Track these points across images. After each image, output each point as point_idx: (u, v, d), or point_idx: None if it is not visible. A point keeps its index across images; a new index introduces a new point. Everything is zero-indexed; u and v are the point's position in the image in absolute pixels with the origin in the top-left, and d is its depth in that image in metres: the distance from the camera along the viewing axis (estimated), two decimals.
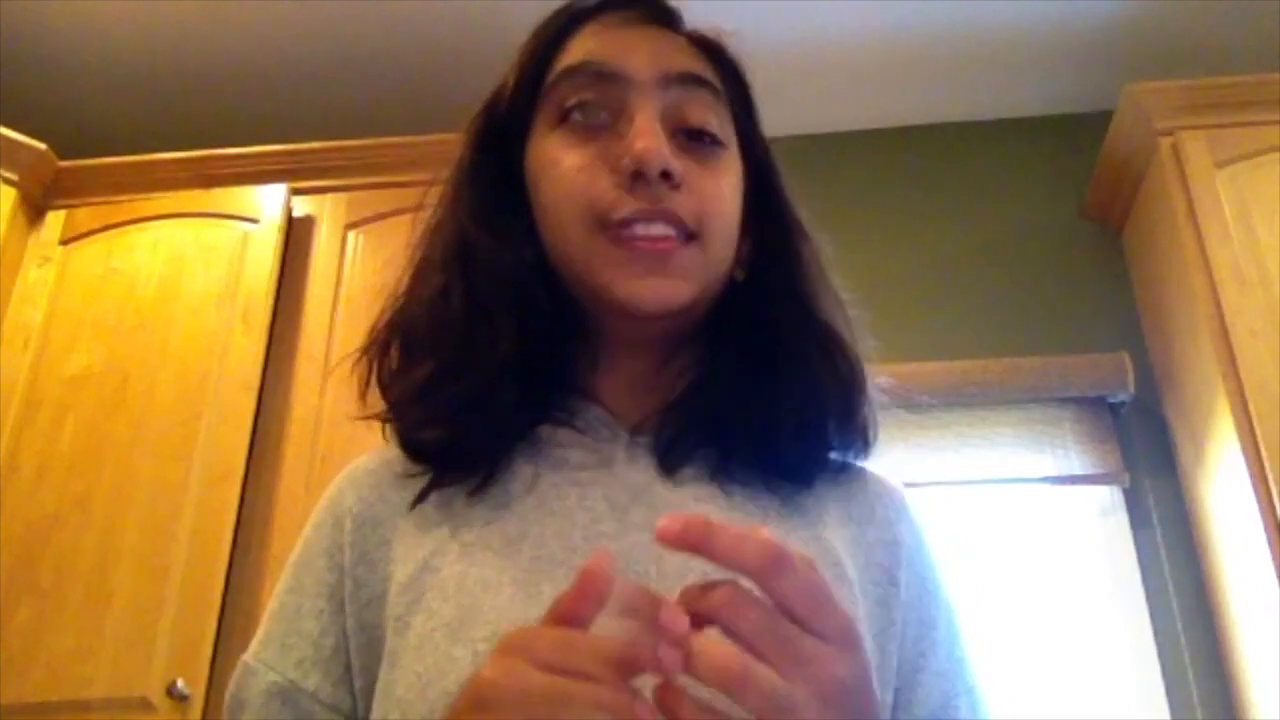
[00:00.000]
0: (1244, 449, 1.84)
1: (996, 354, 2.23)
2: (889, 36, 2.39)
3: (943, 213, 2.47)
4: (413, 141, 2.21)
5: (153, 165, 2.28)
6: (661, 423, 0.77)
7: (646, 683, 0.49)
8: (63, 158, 2.27)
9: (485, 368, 0.73)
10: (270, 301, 2.07)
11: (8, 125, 2.20)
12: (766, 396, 0.76)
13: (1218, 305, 1.94)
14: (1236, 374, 1.88)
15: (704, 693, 0.49)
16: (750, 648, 0.49)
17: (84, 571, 1.84)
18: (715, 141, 0.77)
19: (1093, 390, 2.19)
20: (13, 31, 2.37)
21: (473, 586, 0.68)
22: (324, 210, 2.21)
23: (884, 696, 0.72)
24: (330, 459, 1.92)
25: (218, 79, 2.48)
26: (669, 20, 0.82)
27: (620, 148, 0.73)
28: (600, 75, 0.76)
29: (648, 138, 0.72)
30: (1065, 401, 2.21)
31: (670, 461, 0.75)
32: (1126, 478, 2.16)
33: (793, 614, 0.50)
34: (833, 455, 0.79)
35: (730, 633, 0.50)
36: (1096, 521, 2.18)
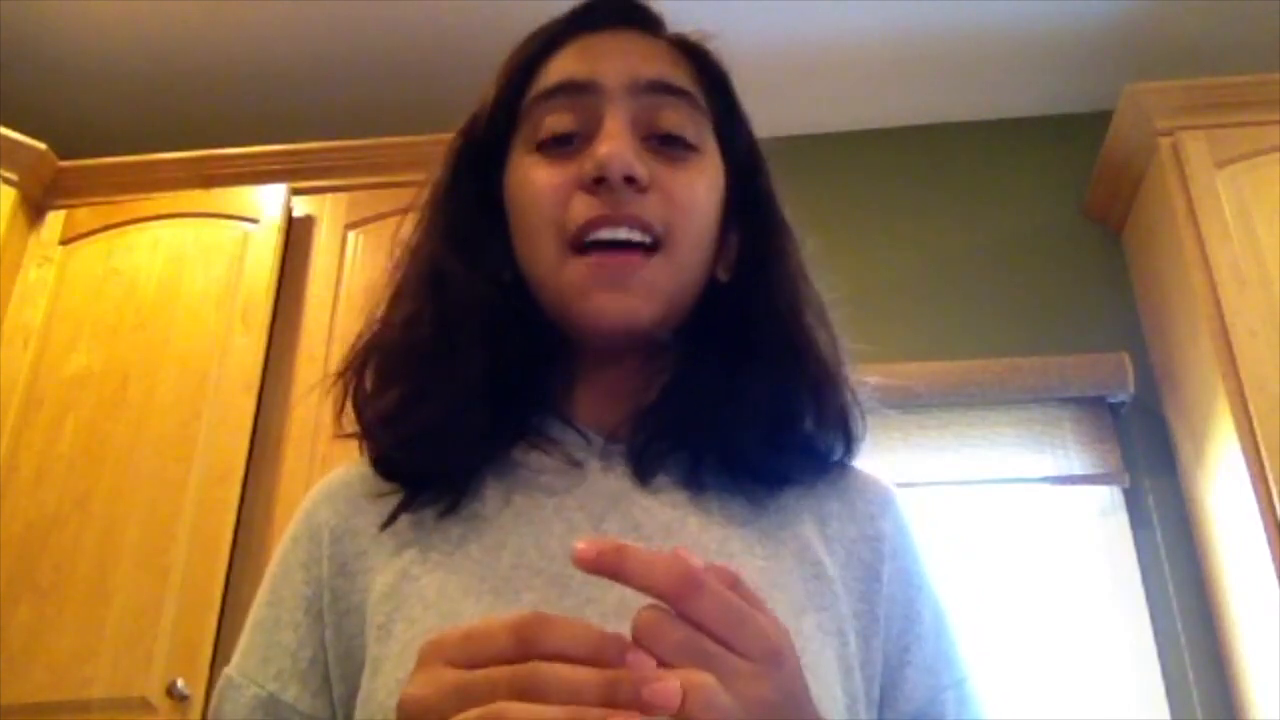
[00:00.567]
0: (1244, 449, 1.84)
1: (996, 354, 2.23)
2: (889, 36, 2.38)
3: (943, 213, 2.47)
4: (413, 141, 2.21)
5: (153, 165, 2.28)
6: (634, 430, 0.77)
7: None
8: (63, 158, 2.27)
9: (453, 392, 0.74)
10: (270, 301, 2.07)
11: (8, 125, 2.20)
12: (734, 399, 0.76)
13: (1218, 305, 1.93)
14: (1236, 374, 1.88)
15: None
16: (670, 664, 0.49)
17: (84, 571, 1.85)
18: (689, 146, 0.77)
19: (1093, 390, 2.18)
20: (13, 31, 2.37)
21: (454, 594, 0.69)
22: (324, 210, 2.21)
23: (871, 692, 0.72)
24: (330, 459, 1.92)
25: (218, 79, 2.48)
26: (648, 25, 0.83)
27: (587, 158, 0.73)
28: (574, 90, 0.76)
29: (611, 143, 0.73)
30: (1065, 401, 2.21)
31: (644, 469, 0.75)
32: (1126, 478, 2.16)
33: (710, 634, 0.50)
34: (819, 454, 0.79)
35: (653, 656, 0.49)
36: (1096, 521, 2.18)
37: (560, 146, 0.76)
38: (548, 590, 0.68)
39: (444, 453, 0.74)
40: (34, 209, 2.23)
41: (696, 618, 0.50)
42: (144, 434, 1.95)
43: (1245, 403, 1.86)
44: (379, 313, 0.80)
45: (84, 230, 2.20)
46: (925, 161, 2.53)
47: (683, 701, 0.47)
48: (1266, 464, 1.80)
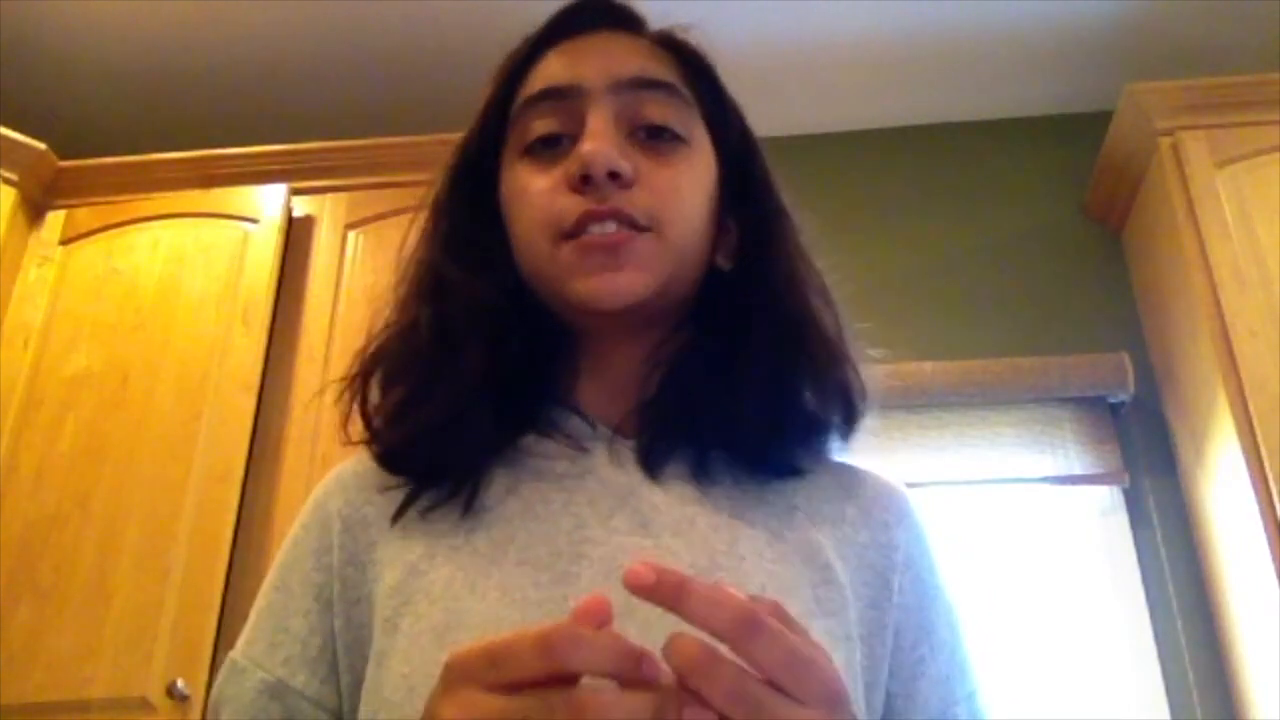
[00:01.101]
0: (1244, 449, 1.84)
1: (996, 354, 2.23)
2: (889, 36, 2.38)
3: (943, 213, 2.47)
4: (413, 141, 2.21)
5: (153, 165, 2.28)
6: (641, 423, 0.77)
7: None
8: (63, 158, 2.27)
9: (454, 388, 0.74)
10: (270, 301, 2.07)
11: (8, 125, 2.20)
12: (733, 387, 0.76)
13: (1218, 305, 1.93)
14: (1236, 374, 1.88)
15: None
16: (722, 712, 0.47)
17: (84, 571, 1.85)
18: (676, 137, 0.78)
19: (1093, 390, 2.19)
20: (13, 31, 2.37)
21: (460, 590, 0.69)
22: (324, 210, 2.21)
23: (874, 700, 0.72)
24: (330, 459, 1.92)
25: (218, 79, 2.48)
26: (628, 24, 0.84)
27: (573, 158, 0.74)
28: (557, 94, 0.77)
29: (593, 140, 0.74)
30: (1065, 401, 2.21)
31: (652, 463, 0.75)
32: (1126, 478, 2.16)
33: (770, 679, 0.48)
34: (817, 443, 0.79)
35: (701, 696, 0.48)
36: (1096, 521, 2.18)
37: (548, 149, 0.77)
38: (553, 588, 0.68)
39: (448, 448, 0.75)
40: (34, 209, 2.23)
41: (755, 662, 0.48)
42: (144, 434, 1.95)
43: (1245, 403, 1.86)
44: (382, 323, 0.81)
45: (84, 230, 2.20)
46: (925, 161, 2.53)
47: None
48: (1266, 464, 1.80)
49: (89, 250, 2.18)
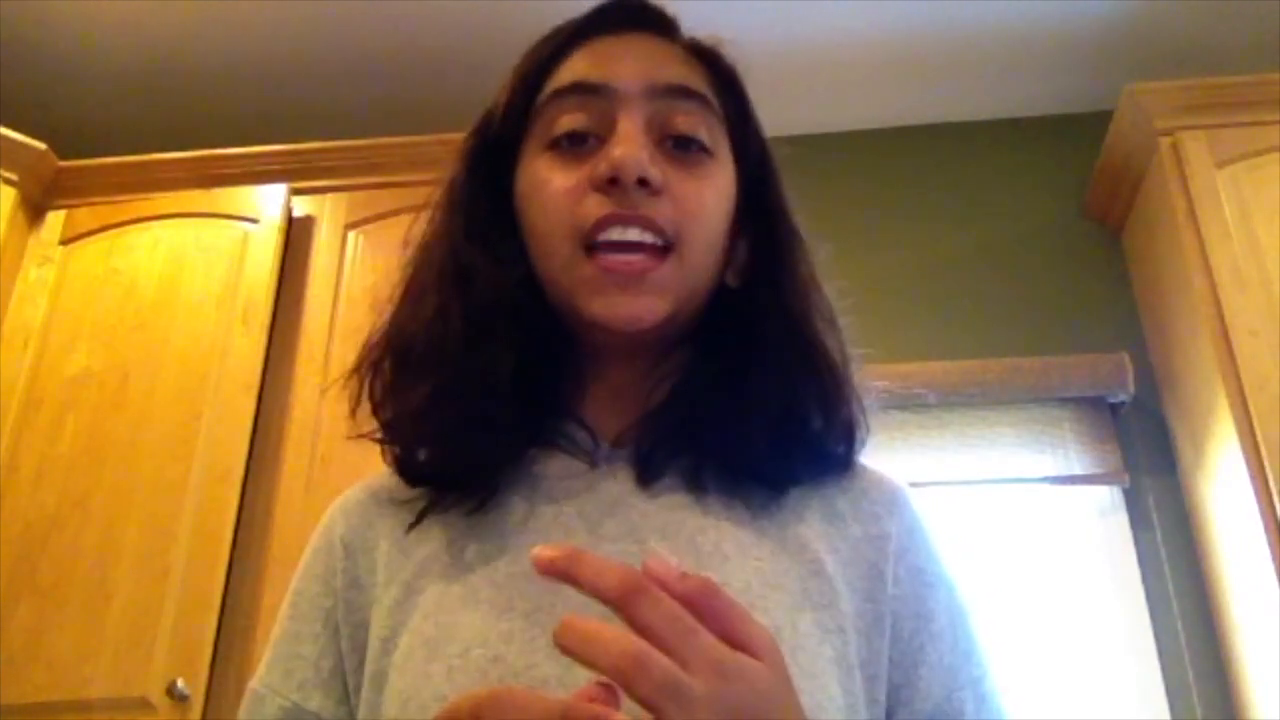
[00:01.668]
0: (1244, 449, 1.84)
1: (996, 354, 2.23)
2: (889, 36, 2.38)
3: (943, 213, 2.47)
4: (413, 141, 2.21)
5: (153, 165, 2.28)
6: (639, 434, 0.77)
7: None
8: (63, 158, 2.26)
9: (487, 387, 0.74)
10: (270, 301, 2.07)
11: (8, 125, 2.20)
12: (740, 403, 0.76)
13: (1218, 305, 1.93)
14: (1236, 374, 1.88)
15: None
16: (606, 673, 0.48)
17: (84, 571, 1.84)
18: (703, 150, 0.77)
19: (1093, 390, 2.18)
20: (13, 31, 2.37)
21: (452, 603, 0.70)
22: (324, 210, 2.21)
23: (876, 692, 0.72)
24: (330, 459, 1.92)
25: (218, 79, 2.48)
26: (663, 28, 0.83)
27: (601, 159, 0.74)
28: (588, 91, 0.76)
29: (626, 145, 0.73)
30: (1065, 401, 2.21)
31: (648, 473, 0.75)
32: (1126, 478, 2.16)
33: (655, 644, 0.49)
34: (822, 456, 0.79)
35: (630, 619, 0.49)
36: (1096, 521, 2.18)
37: (573, 146, 0.76)
38: (540, 598, 0.68)
39: (480, 446, 0.74)
40: (34, 209, 2.23)
41: (641, 625, 0.49)
42: (144, 434, 1.95)
43: (1245, 403, 1.86)
44: (391, 309, 0.80)
45: (84, 230, 2.20)
46: (925, 161, 2.53)
47: None
48: (1266, 464, 1.80)
49: (89, 250, 2.17)
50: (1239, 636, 1.91)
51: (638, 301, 0.72)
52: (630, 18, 0.82)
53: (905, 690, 0.73)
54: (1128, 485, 2.16)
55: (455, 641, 0.67)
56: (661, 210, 0.73)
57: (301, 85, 2.49)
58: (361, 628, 0.74)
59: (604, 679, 0.48)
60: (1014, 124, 2.55)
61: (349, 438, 0.79)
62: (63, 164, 2.27)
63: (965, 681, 0.74)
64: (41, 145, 2.22)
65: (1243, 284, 1.94)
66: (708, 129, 0.78)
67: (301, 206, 2.20)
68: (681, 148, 0.76)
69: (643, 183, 0.72)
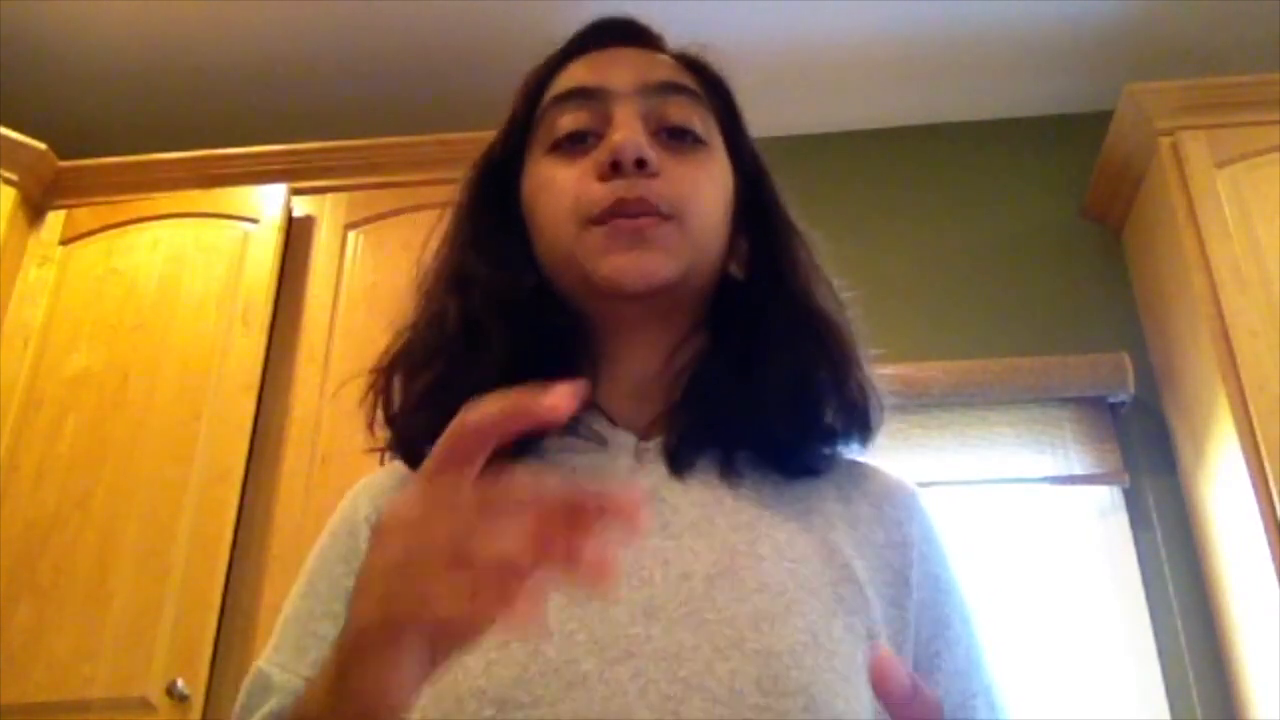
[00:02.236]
0: (1244, 449, 1.84)
1: (996, 354, 2.23)
2: (889, 36, 2.38)
3: (943, 213, 2.47)
4: (413, 141, 2.21)
5: (153, 165, 2.28)
6: (668, 426, 0.78)
7: None
8: (63, 158, 2.26)
9: (481, 376, 0.75)
10: (270, 301, 2.07)
11: (8, 125, 2.20)
12: (758, 387, 0.77)
13: (1218, 305, 1.93)
14: (1236, 374, 1.88)
15: None
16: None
17: (84, 571, 1.84)
18: (697, 140, 0.81)
19: (1093, 390, 2.18)
20: (13, 31, 2.37)
21: None
22: (324, 210, 2.20)
23: None
24: (330, 459, 1.92)
25: (218, 79, 2.48)
26: (650, 43, 0.87)
27: (603, 148, 0.77)
28: (585, 95, 0.80)
29: (623, 130, 0.77)
30: (1065, 401, 2.21)
31: (680, 463, 0.76)
32: (1126, 478, 2.16)
33: None
34: (837, 446, 0.80)
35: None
36: (1096, 521, 2.18)
37: (574, 146, 0.79)
38: (576, 593, 0.68)
39: None
40: (34, 209, 2.23)
41: None
42: (144, 434, 1.95)
43: (1245, 403, 1.86)
44: (405, 325, 0.83)
45: (84, 230, 2.20)
46: (925, 161, 2.53)
47: None
48: (1266, 464, 1.80)
49: (89, 250, 2.17)
50: (1239, 636, 1.91)
51: (646, 257, 0.75)
52: (619, 33, 0.86)
53: None
54: (1128, 485, 2.16)
55: (491, 634, 0.67)
56: (660, 190, 0.76)
57: (301, 85, 2.49)
58: None
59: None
60: (1014, 124, 2.55)
61: (365, 450, 0.81)
62: (63, 164, 2.26)
63: (978, 688, 0.75)
64: (41, 145, 2.22)
65: (1243, 284, 1.94)
66: (700, 121, 0.81)
67: (301, 206, 2.20)
68: (676, 138, 0.80)
69: (640, 164, 0.75)
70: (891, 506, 0.80)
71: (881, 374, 0.83)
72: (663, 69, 0.83)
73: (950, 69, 2.46)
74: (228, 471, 1.92)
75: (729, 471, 0.76)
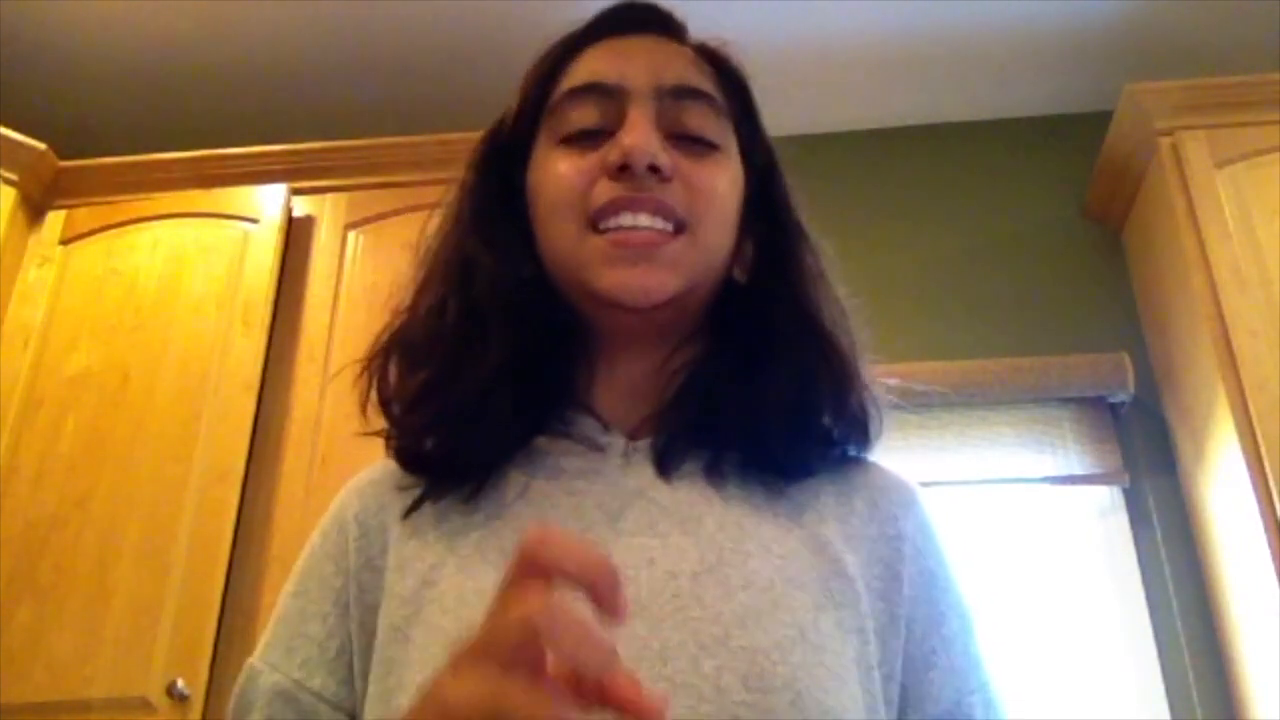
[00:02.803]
0: (1244, 449, 1.84)
1: (996, 354, 2.23)
2: (889, 36, 2.38)
3: (943, 213, 2.47)
4: (413, 141, 2.21)
5: (153, 165, 2.28)
6: (657, 427, 0.77)
7: None
8: (63, 158, 2.26)
9: (478, 375, 0.74)
10: (270, 301, 2.07)
11: (8, 125, 2.20)
12: (755, 394, 0.77)
13: (1218, 305, 1.93)
14: (1236, 374, 1.88)
15: None
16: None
17: (84, 571, 1.84)
18: (711, 145, 0.78)
19: (1093, 390, 2.18)
20: (13, 31, 2.37)
21: (472, 599, 0.69)
22: (324, 210, 2.21)
23: (890, 693, 0.72)
24: (330, 459, 1.92)
25: (218, 79, 2.48)
26: (671, 30, 0.84)
27: (613, 146, 0.75)
28: (600, 91, 0.78)
29: (635, 133, 0.74)
30: (1065, 401, 2.21)
31: (666, 465, 0.76)
32: (1126, 478, 2.16)
33: None
34: (836, 449, 0.79)
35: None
36: (1096, 521, 2.18)
37: (585, 140, 0.77)
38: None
39: (473, 434, 0.75)
40: (34, 209, 2.23)
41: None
42: (144, 434, 1.95)
43: (1245, 403, 1.86)
44: (404, 305, 0.81)
45: (84, 230, 2.20)
46: (925, 161, 2.53)
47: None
48: (1266, 464, 1.80)
49: (89, 250, 2.17)
50: (1239, 636, 1.91)
51: (649, 274, 0.73)
52: (639, 20, 0.84)
53: (915, 693, 0.73)
54: (1128, 485, 2.16)
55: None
56: (673, 194, 0.75)
57: (301, 85, 2.50)
58: (373, 610, 0.73)
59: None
60: (1014, 124, 2.55)
61: (358, 434, 0.80)
62: (63, 164, 2.27)
63: (975, 686, 0.75)
64: (41, 145, 2.22)
65: (1243, 284, 1.94)
66: (715, 126, 0.79)
67: (301, 206, 2.21)
68: (690, 143, 0.78)
69: (653, 169, 0.74)
70: (887, 501, 0.79)
71: (881, 374, 0.82)
72: (681, 67, 0.81)
73: (950, 69, 2.46)
74: (228, 471, 1.92)
75: (715, 473, 0.76)
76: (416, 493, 0.76)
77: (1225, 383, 1.89)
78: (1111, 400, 2.20)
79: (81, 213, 2.23)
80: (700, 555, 0.70)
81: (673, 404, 0.78)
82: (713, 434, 0.77)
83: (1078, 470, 2.17)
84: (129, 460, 1.93)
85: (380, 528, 0.77)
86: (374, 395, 0.79)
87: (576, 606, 0.46)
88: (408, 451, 0.78)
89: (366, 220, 2.18)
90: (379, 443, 0.81)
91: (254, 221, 2.15)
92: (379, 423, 0.79)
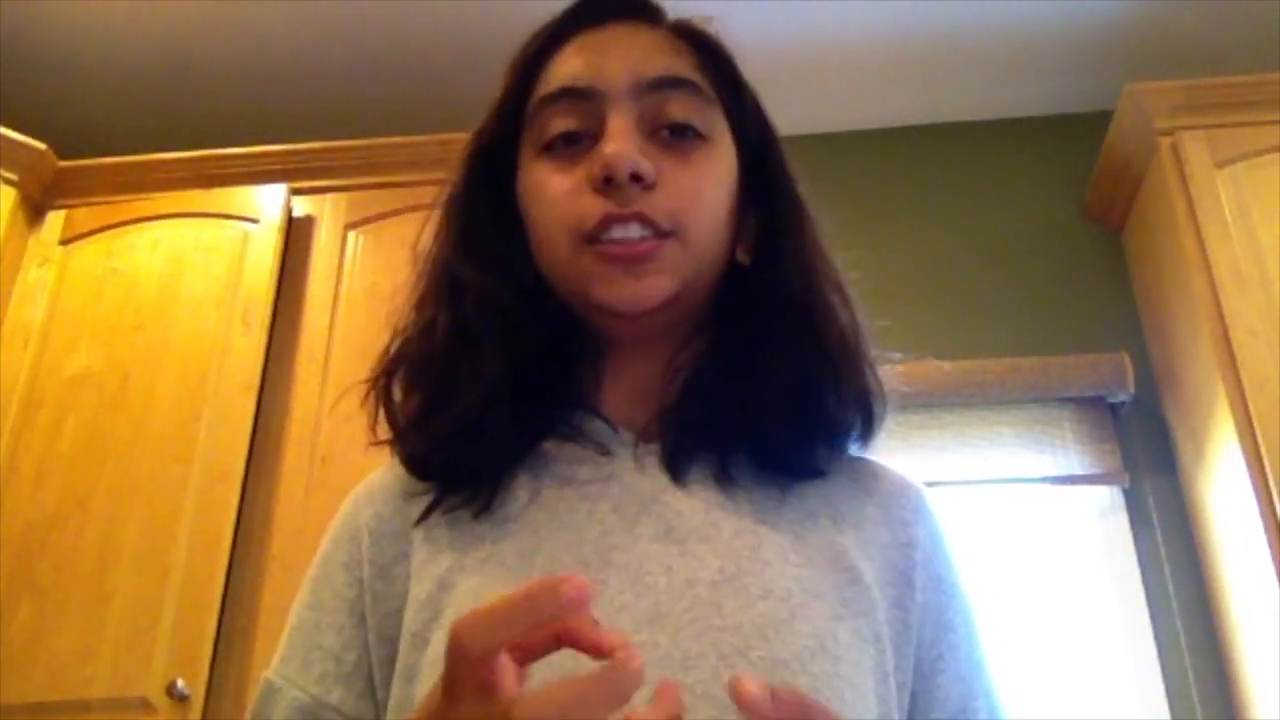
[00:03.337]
0: (1244, 449, 1.84)
1: (996, 354, 2.23)
2: (889, 36, 2.38)
3: (943, 213, 2.47)
4: (413, 141, 2.21)
5: (153, 165, 2.28)
6: (663, 428, 0.77)
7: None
8: (63, 158, 2.26)
9: (473, 392, 0.74)
10: (270, 301, 2.07)
11: (8, 125, 2.20)
12: (754, 390, 0.76)
13: (1218, 305, 1.93)
14: (1236, 374, 1.88)
15: None
16: None
17: (84, 571, 1.84)
18: (698, 135, 0.77)
19: (1093, 390, 2.18)
20: (13, 31, 2.37)
21: (489, 601, 0.68)
22: (324, 210, 2.21)
23: (904, 700, 0.72)
24: (330, 459, 1.92)
25: (218, 79, 2.48)
26: (646, 15, 0.82)
27: (595, 159, 0.74)
28: (576, 95, 0.77)
29: (615, 142, 0.73)
30: (1065, 401, 2.21)
31: (676, 468, 0.75)
32: (1126, 478, 2.16)
33: None
34: (839, 442, 0.78)
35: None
36: (1096, 521, 2.18)
37: (568, 147, 0.76)
38: None
39: (471, 453, 0.75)
40: (34, 209, 2.23)
41: None
42: (144, 434, 1.95)
43: (1245, 403, 1.86)
44: (404, 322, 0.81)
45: (84, 230, 2.20)
46: (925, 161, 2.53)
47: None
48: (1266, 464, 1.80)
49: (89, 250, 2.17)
50: (1239, 636, 1.91)
51: (642, 282, 0.73)
52: (613, 8, 0.82)
53: (922, 698, 0.73)
54: (1128, 485, 2.16)
55: None
56: (657, 204, 0.73)
57: (301, 85, 2.49)
58: (390, 618, 0.73)
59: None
60: (1014, 124, 2.55)
61: (370, 445, 0.80)
62: (63, 164, 2.26)
63: (980, 692, 0.75)
64: (41, 145, 2.22)
65: (1243, 284, 1.94)
66: (700, 114, 0.78)
67: (301, 206, 2.20)
68: (676, 135, 0.76)
69: (636, 178, 0.73)
70: (898, 507, 0.79)
71: (894, 373, 0.81)
72: (660, 58, 0.78)
73: (950, 69, 2.46)
74: (228, 471, 1.92)
75: (725, 476, 0.75)
76: (427, 499, 0.76)
77: (1225, 383, 1.89)
78: (1111, 400, 2.20)
79: (81, 213, 2.23)
80: (719, 564, 0.70)
81: (674, 405, 0.77)
82: (716, 435, 0.76)
83: (1078, 470, 2.17)
84: (129, 460, 1.93)
85: (394, 534, 0.76)
86: (381, 415, 0.79)
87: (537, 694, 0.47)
88: (415, 461, 0.77)
89: (366, 220, 2.18)
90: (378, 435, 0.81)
91: (254, 221, 2.15)
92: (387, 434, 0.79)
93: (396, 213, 2.11)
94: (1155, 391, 2.21)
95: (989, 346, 2.26)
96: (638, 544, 0.71)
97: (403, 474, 0.79)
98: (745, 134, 0.81)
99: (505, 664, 0.48)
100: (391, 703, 0.70)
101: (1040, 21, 2.35)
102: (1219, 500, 1.96)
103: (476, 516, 0.74)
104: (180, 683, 1.74)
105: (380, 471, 0.81)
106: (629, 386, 0.79)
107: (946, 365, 2.19)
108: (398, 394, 0.79)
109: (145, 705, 1.74)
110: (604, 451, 0.76)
